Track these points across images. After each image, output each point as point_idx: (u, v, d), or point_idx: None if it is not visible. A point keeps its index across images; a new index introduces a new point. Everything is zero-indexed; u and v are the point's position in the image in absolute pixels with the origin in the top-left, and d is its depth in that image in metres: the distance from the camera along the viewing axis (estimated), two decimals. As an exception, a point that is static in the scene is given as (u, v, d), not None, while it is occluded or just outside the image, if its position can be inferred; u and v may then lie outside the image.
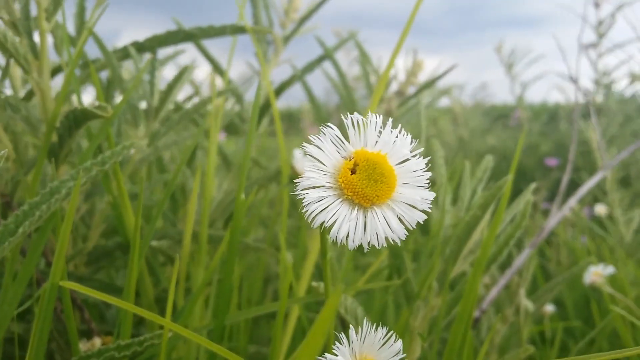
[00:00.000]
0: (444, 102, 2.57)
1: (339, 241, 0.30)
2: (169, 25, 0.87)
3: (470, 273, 0.52)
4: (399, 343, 0.35)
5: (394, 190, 0.31)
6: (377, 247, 0.30)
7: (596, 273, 0.76)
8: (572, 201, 0.95)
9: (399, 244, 0.31)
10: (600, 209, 1.38)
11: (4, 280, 0.46)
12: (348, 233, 0.30)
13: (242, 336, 0.62)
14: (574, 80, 1.29)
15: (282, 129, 0.70)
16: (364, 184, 0.31)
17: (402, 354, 0.36)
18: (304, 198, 0.29)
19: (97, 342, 0.49)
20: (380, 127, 0.32)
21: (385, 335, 0.35)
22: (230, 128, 0.94)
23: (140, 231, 0.57)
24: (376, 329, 0.35)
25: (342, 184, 0.31)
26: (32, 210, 0.44)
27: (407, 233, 0.31)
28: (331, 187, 0.31)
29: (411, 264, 0.63)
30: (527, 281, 0.73)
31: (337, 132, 0.31)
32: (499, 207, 0.52)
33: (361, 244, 0.30)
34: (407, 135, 0.32)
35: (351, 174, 0.31)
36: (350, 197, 0.31)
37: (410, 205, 0.31)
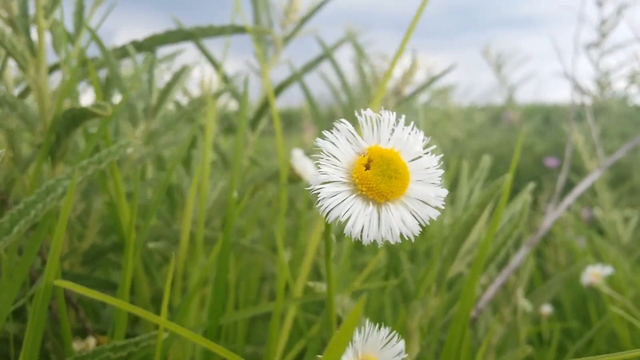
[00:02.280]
0: (440, 102, 2.55)
1: (353, 236, 0.29)
2: (166, 24, 0.86)
3: (468, 273, 0.51)
4: (402, 343, 0.35)
5: (407, 186, 0.31)
6: (392, 242, 0.30)
7: (594, 273, 0.75)
8: (568, 200, 0.94)
9: (413, 240, 0.31)
10: (598, 210, 1.37)
11: (1, 280, 0.45)
12: (363, 228, 0.29)
13: (239, 336, 0.61)
14: (570, 79, 1.28)
15: (281, 129, 0.69)
16: (378, 179, 0.30)
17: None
18: (318, 193, 0.29)
19: (91, 341, 0.48)
20: (393, 124, 0.31)
21: (388, 335, 0.35)
22: (228, 127, 0.93)
23: (135, 230, 0.56)
24: (378, 328, 0.35)
25: (357, 180, 0.30)
26: (28, 209, 0.43)
27: (420, 229, 0.31)
28: (345, 183, 0.30)
29: (408, 264, 0.62)
30: (524, 281, 0.72)
31: (351, 128, 0.31)
32: (498, 206, 0.51)
33: (375, 239, 0.30)
34: (419, 132, 0.32)
35: (365, 170, 0.30)
36: (364, 193, 0.30)
37: (423, 201, 0.31)
